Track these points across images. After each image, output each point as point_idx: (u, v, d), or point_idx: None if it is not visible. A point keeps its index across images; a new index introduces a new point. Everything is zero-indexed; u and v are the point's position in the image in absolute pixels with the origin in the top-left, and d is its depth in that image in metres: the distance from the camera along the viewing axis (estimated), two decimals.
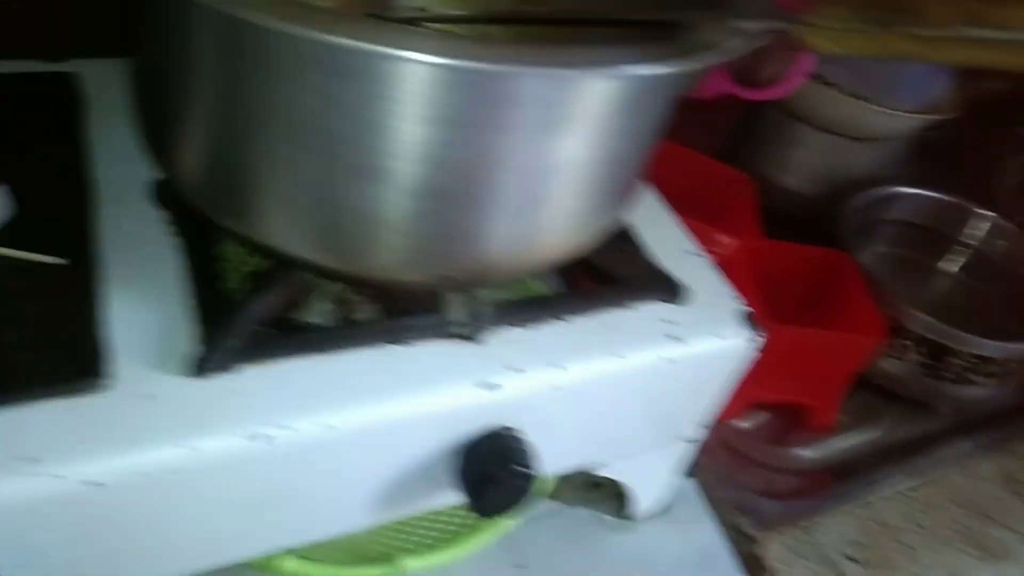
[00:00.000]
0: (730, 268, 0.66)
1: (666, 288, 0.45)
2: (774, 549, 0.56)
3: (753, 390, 0.65)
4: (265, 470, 0.35)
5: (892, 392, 0.72)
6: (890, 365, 0.69)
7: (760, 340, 0.46)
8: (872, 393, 0.72)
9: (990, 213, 0.79)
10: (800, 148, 0.80)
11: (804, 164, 0.81)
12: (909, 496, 0.63)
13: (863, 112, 0.75)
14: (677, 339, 0.44)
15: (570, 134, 0.34)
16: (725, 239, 0.66)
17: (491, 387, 0.39)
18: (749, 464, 0.63)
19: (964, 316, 0.77)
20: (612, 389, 0.43)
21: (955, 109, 0.78)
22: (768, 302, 0.68)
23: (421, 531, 0.50)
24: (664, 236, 0.50)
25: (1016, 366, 0.67)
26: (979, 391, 0.69)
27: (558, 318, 0.43)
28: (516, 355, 0.40)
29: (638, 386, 0.44)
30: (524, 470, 0.40)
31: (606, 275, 0.46)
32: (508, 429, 0.41)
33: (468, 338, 0.40)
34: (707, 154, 0.81)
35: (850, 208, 0.73)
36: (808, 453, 0.66)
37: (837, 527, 0.59)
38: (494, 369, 0.39)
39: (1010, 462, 0.68)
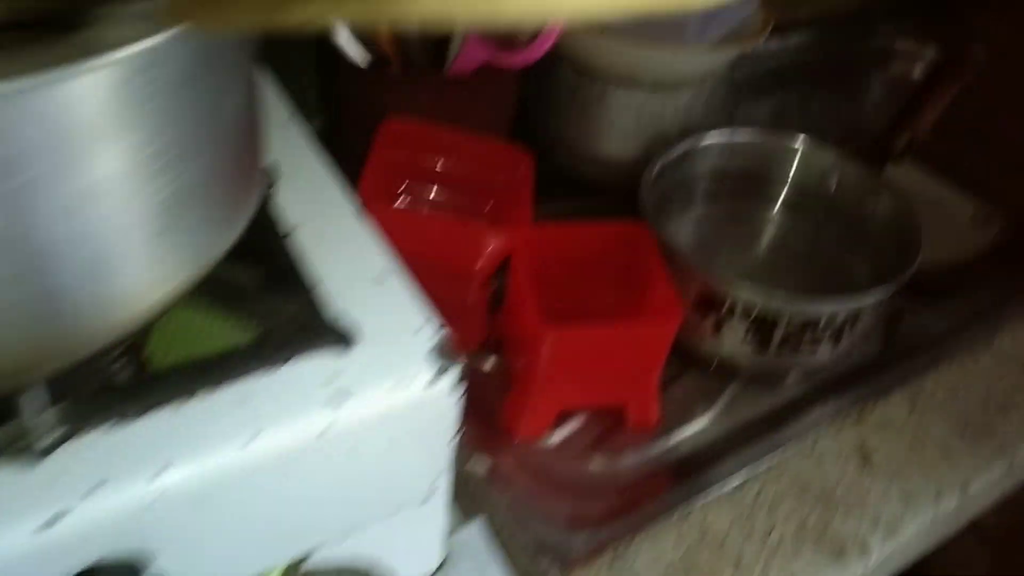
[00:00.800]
0: (511, 266, 0.57)
1: (331, 334, 0.36)
2: None
3: (553, 400, 0.57)
4: None
5: (727, 369, 0.64)
6: (715, 344, 0.61)
7: (458, 370, 0.37)
8: (705, 373, 0.64)
9: (816, 146, 0.71)
10: (602, 108, 0.71)
11: (611, 126, 0.72)
12: (741, 494, 0.55)
13: (653, 59, 0.66)
14: (345, 395, 0.35)
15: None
16: (496, 238, 0.57)
17: (57, 517, 0.29)
18: (556, 488, 0.55)
19: (793, 271, 0.70)
20: (263, 477, 0.34)
21: (763, 29, 0.69)
22: (561, 294, 0.60)
23: None
24: (346, 253, 0.41)
25: (849, 322, 0.59)
26: (820, 355, 0.61)
27: (177, 399, 0.33)
28: (102, 465, 0.31)
29: (302, 465, 0.35)
30: None
31: (256, 323, 0.37)
32: (121, 560, 0.32)
33: (37, 453, 0.31)
34: (501, 130, 0.72)
35: (653, 172, 0.64)
36: (628, 460, 0.58)
37: (654, 548, 0.51)
38: (71, 491, 0.30)
39: (861, 430, 0.60)
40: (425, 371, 0.36)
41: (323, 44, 0.62)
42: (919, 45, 1.08)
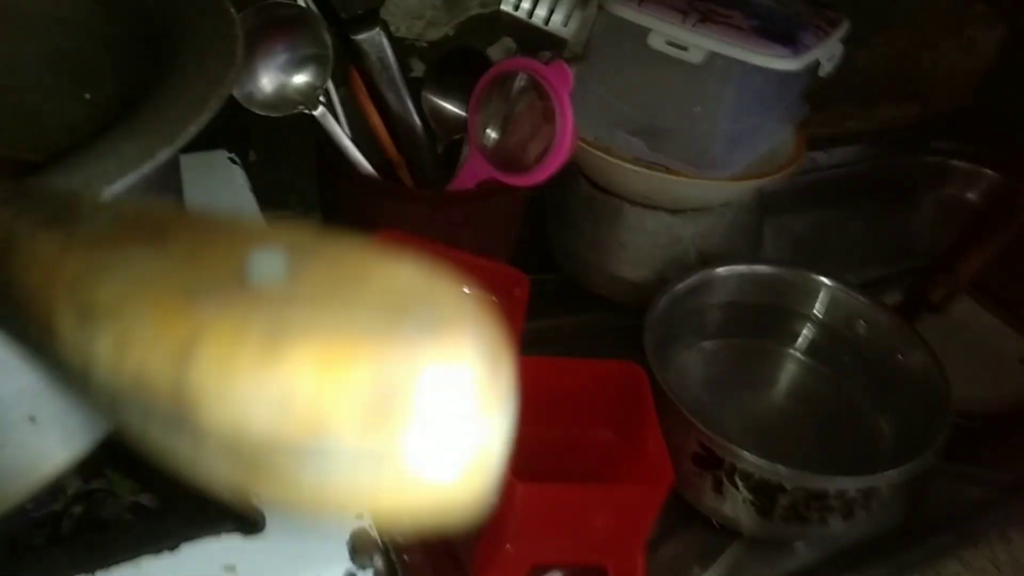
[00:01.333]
0: None
1: (234, 515, 0.32)
2: None
3: (526, 554, 0.52)
4: None
5: (729, 529, 0.58)
6: (716, 501, 0.55)
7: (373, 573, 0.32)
8: (709, 530, 0.58)
9: (844, 285, 0.65)
10: (617, 225, 0.67)
11: (626, 244, 0.67)
12: None
13: (671, 185, 0.62)
14: None
15: None
16: None
17: None
18: None
19: (809, 425, 0.63)
20: None
21: (796, 159, 0.65)
22: (547, 433, 0.55)
23: None
24: None
25: (861, 497, 0.52)
26: (833, 527, 0.55)
27: None
28: None
29: None
30: None
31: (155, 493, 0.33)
32: None
33: None
34: (507, 245, 0.68)
35: (660, 304, 0.59)
36: None
37: None
38: None
39: None
40: (335, 564, 0.31)
41: (325, 145, 0.59)
42: (974, 166, 1.02)
